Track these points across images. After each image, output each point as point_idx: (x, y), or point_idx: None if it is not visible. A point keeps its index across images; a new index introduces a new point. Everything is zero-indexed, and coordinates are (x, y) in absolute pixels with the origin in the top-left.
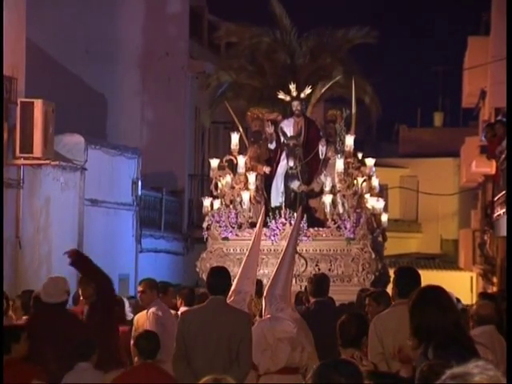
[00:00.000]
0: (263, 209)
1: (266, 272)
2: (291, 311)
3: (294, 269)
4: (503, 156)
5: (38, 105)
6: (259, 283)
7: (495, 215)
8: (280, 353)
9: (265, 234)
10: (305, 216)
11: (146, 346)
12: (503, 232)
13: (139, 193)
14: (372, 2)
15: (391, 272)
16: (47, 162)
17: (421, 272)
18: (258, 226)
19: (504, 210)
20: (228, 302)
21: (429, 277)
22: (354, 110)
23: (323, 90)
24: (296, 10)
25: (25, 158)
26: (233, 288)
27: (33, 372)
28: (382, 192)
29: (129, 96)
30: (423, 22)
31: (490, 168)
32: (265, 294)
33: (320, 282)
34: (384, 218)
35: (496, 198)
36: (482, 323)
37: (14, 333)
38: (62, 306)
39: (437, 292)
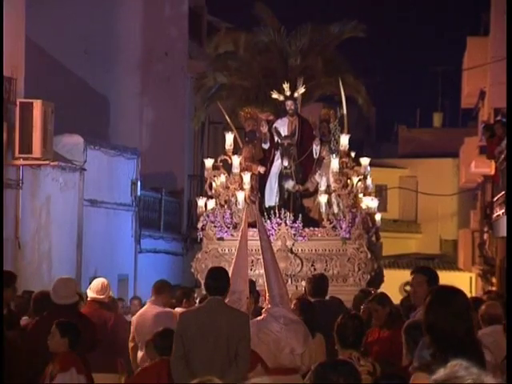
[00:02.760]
0: (245, 208)
1: (262, 272)
2: (287, 310)
3: (279, 265)
4: (502, 156)
5: (38, 105)
6: (252, 283)
7: (494, 215)
8: (261, 354)
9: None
10: (300, 216)
11: (161, 343)
12: (503, 232)
13: (138, 193)
14: (371, 2)
15: (392, 272)
16: (46, 162)
17: None
18: (242, 224)
19: (503, 210)
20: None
21: None
22: (344, 110)
23: (303, 90)
24: (283, 7)
25: (24, 159)
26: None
27: (77, 363)
28: (381, 192)
29: (128, 96)
30: (422, 23)
31: (490, 168)
32: (267, 296)
33: (319, 282)
34: (378, 217)
35: (495, 199)
36: (492, 323)
37: (76, 327)
38: (73, 308)
39: (454, 294)
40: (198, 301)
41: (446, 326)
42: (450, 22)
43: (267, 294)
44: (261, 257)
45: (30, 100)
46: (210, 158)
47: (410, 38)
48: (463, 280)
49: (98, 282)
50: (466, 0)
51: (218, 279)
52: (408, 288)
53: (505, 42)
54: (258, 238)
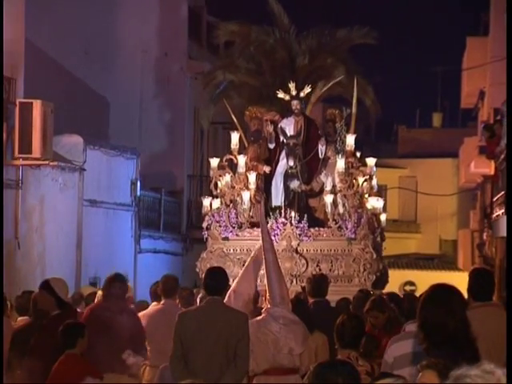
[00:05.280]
0: (261, 210)
1: (262, 272)
2: (287, 311)
3: (283, 266)
4: (502, 156)
5: (37, 105)
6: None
7: (494, 215)
8: (260, 354)
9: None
10: (305, 216)
11: None
12: (502, 232)
13: (138, 193)
14: (371, 2)
15: (392, 273)
16: (46, 162)
17: (420, 272)
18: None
19: (503, 210)
20: (226, 302)
21: (427, 277)
22: (354, 110)
23: (324, 89)
24: (294, 8)
25: (24, 159)
26: (232, 287)
27: (89, 368)
28: (381, 192)
29: (128, 96)
30: (422, 23)
31: (489, 168)
32: (267, 297)
33: (319, 283)
34: (383, 217)
35: (495, 199)
36: None
37: (79, 328)
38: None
39: (448, 292)
40: (198, 301)
41: (437, 322)
42: (450, 22)
43: (267, 294)
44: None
45: (30, 100)
46: (210, 157)
47: (409, 37)
48: (463, 280)
49: None
50: (466, 0)
51: (217, 279)
52: (408, 288)
53: (504, 42)
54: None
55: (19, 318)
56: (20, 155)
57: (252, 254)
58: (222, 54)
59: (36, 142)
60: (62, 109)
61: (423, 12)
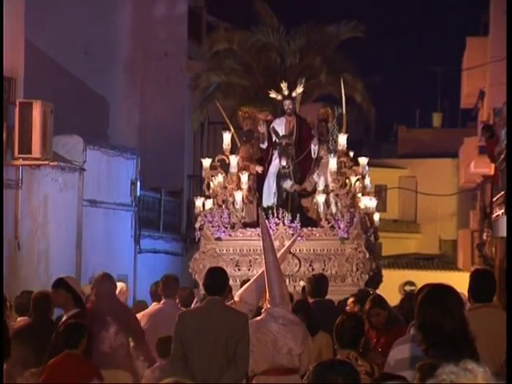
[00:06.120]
0: (260, 211)
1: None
2: (286, 311)
3: (280, 266)
4: (502, 156)
5: (37, 105)
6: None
7: (494, 216)
8: (259, 354)
9: (258, 235)
10: (298, 216)
11: None
12: (502, 232)
13: (138, 193)
14: (371, 3)
15: (392, 273)
16: (46, 162)
17: (419, 272)
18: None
19: (503, 210)
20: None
21: (427, 277)
22: (343, 109)
23: (301, 90)
24: (283, 7)
25: (23, 159)
26: (239, 296)
27: (94, 370)
28: (380, 192)
29: (127, 97)
30: (422, 23)
31: (489, 169)
32: (267, 297)
33: (319, 283)
34: (376, 217)
35: (495, 199)
36: None
37: (83, 328)
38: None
39: (445, 292)
40: (195, 301)
41: (435, 322)
42: (449, 22)
43: (267, 295)
44: (259, 257)
45: (30, 100)
46: (209, 157)
47: (410, 38)
48: (462, 280)
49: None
50: (466, 0)
51: (217, 279)
52: (407, 288)
53: (504, 42)
54: (256, 238)
55: (19, 318)
56: (20, 155)
57: (260, 272)
58: (209, 57)
59: (36, 142)
60: (62, 109)
61: (423, 12)
